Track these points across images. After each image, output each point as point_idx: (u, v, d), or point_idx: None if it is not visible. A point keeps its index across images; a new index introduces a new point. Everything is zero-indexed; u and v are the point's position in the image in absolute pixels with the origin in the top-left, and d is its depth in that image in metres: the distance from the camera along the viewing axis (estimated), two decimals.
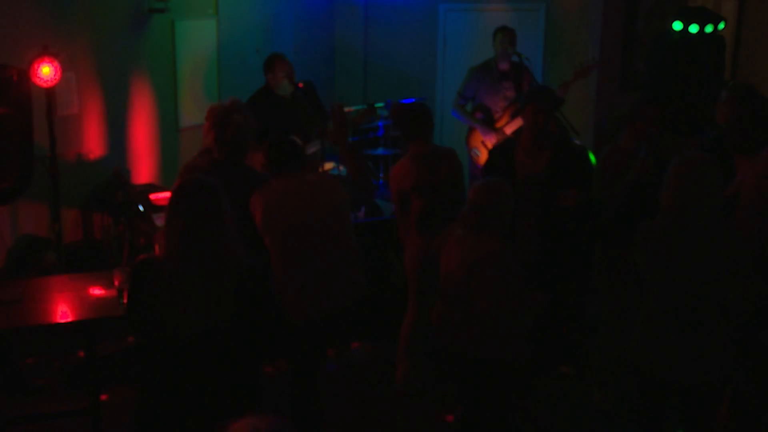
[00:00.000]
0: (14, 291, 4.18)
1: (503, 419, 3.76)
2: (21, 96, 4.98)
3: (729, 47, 7.25)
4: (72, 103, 5.96)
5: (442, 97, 8.54)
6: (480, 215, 3.60)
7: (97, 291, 4.20)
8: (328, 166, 6.43)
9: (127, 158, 6.54)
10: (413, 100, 7.23)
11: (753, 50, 7.45)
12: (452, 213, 3.70)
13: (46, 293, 4.24)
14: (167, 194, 5.46)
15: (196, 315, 2.85)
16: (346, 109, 7.11)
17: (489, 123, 6.60)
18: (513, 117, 6.45)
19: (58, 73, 5.17)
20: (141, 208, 5.81)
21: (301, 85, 5.97)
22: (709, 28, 6.79)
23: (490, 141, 6.47)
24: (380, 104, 6.98)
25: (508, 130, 6.44)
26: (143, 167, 6.70)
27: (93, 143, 6.21)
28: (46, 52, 5.13)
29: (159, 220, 5.57)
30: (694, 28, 6.78)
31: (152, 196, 5.87)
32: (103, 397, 4.31)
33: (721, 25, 6.88)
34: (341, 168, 6.68)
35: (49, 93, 5.30)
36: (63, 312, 4.05)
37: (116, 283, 4.12)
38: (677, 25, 6.83)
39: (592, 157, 5.14)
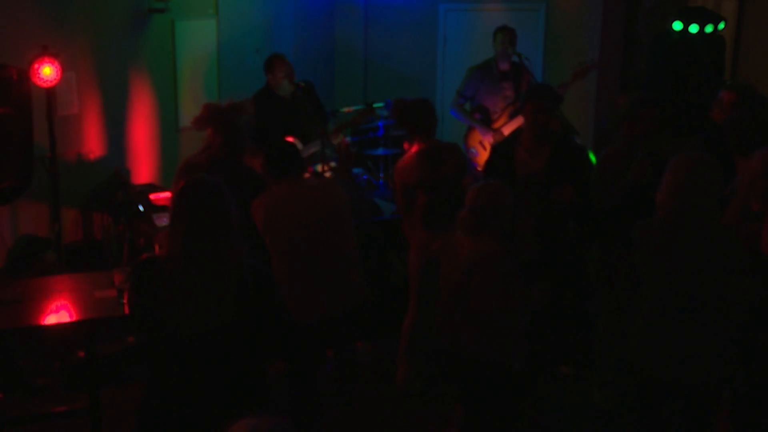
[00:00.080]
0: (14, 291, 4.18)
1: (503, 419, 3.76)
2: (21, 96, 4.98)
3: (729, 47, 7.26)
4: (72, 103, 5.96)
5: (442, 96, 8.54)
6: (478, 217, 3.60)
7: (97, 291, 4.20)
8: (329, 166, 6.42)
9: (127, 158, 6.54)
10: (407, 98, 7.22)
11: (753, 50, 7.45)
12: (457, 208, 3.70)
13: (46, 293, 4.24)
14: (167, 194, 5.49)
15: (197, 315, 2.85)
16: (346, 109, 7.15)
17: (487, 123, 6.60)
18: (512, 117, 6.45)
19: (59, 73, 5.17)
20: (141, 208, 5.81)
21: (302, 84, 5.97)
22: (709, 28, 6.80)
23: (489, 141, 6.48)
24: (380, 104, 6.97)
25: (507, 130, 6.44)
26: (143, 167, 6.70)
27: (93, 143, 6.21)
28: (46, 52, 5.12)
29: (159, 220, 5.58)
30: (694, 28, 6.78)
31: (152, 196, 5.88)
32: (103, 397, 4.30)
33: (721, 25, 6.88)
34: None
35: (49, 93, 5.30)
36: (63, 312, 4.05)
37: (116, 283, 4.12)
38: (677, 25, 6.83)
39: (592, 157, 5.15)
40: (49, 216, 5.64)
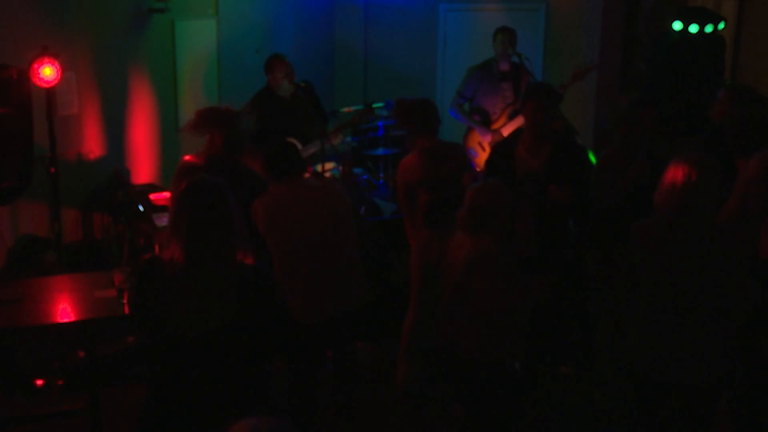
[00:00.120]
0: (14, 291, 4.18)
1: (503, 419, 3.76)
2: (21, 96, 4.98)
3: (729, 47, 7.26)
4: (72, 103, 5.96)
5: (442, 97, 8.54)
6: (477, 217, 3.61)
7: (97, 291, 4.20)
8: (329, 166, 6.43)
9: (127, 158, 6.54)
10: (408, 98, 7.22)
11: (753, 50, 7.45)
12: (458, 208, 3.71)
13: (46, 293, 4.24)
14: (167, 194, 5.49)
15: (199, 315, 2.85)
16: (346, 109, 7.15)
17: (486, 125, 6.60)
18: (511, 118, 6.45)
19: (59, 73, 5.17)
20: (141, 208, 5.81)
21: (302, 85, 5.97)
22: (709, 28, 6.80)
23: (488, 142, 6.48)
24: (379, 104, 6.98)
25: (506, 131, 6.44)
26: (143, 167, 6.71)
27: (93, 143, 6.21)
28: (46, 52, 5.12)
29: (159, 220, 5.58)
30: (694, 28, 6.78)
31: (152, 196, 5.88)
32: (103, 397, 4.30)
33: (721, 25, 6.88)
34: (341, 168, 6.68)
35: (49, 93, 5.30)
36: (63, 312, 4.05)
37: (116, 283, 4.12)
38: (677, 25, 6.84)
39: (592, 157, 5.15)
40: (49, 216, 5.64)
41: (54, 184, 5.46)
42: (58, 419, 4.46)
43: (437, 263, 3.87)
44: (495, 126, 6.56)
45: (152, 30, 6.61)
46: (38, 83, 5.13)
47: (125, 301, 4.00)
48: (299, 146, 5.76)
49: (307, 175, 4.24)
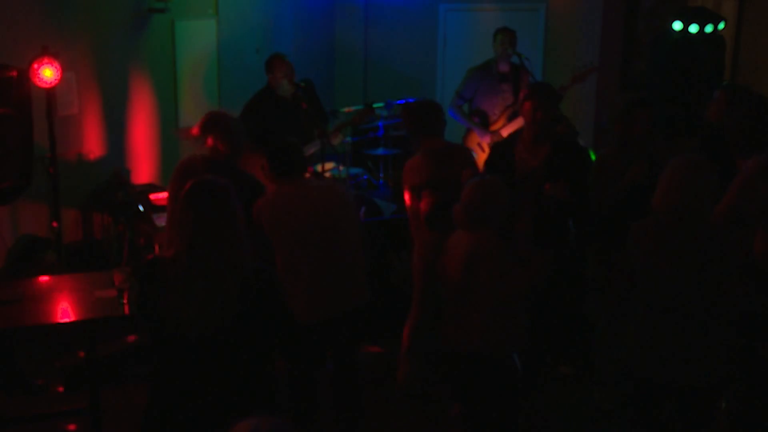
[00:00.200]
0: (14, 291, 4.18)
1: (503, 419, 3.76)
2: (21, 96, 4.98)
3: (729, 47, 7.26)
4: (72, 104, 5.96)
5: (442, 97, 8.54)
6: (472, 213, 3.62)
7: (97, 291, 4.20)
8: (329, 166, 6.43)
9: (127, 158, 6.54)
10: (413, 100, 7.23)
11: (753, 50, 7.45)
12: None
13: (46, 293, 4.24)
14: (167, 194, 5.49)
15: (201, 316, 2.85)
16: (346, 110, 7.15)
17: (485, 126, 6.60)
18: (510, 119, 6.45)
19: (59, 74, 5.17)
20: (141, 208, 5.82)
21: (302, 85, 5.97)
22: (709, 28, 6.79)
23: (487, 143, 6.48)
24: (379, 104, 6.97)
25: (505, 132, 6.44)
26: (143, 167, 6.71)
27: (93, 143, 6.21)
28: (46, 52, 5.12)
29: (159, 220, 5.58)
30: (694, 28, 6.78)
31: (152, 196, 5.88)
32: (103, 397, 4.30)
33: (721, 25, 6.88)
34: (341, 168, 6.68)
35: (49, 93, 5.30)
36: (63, 312, 4.05)
37: (116, 283, 4.12)
38: (677, 25, 6.83)
39: (593, 157, 5.14)
40: (49, 216, 5.64)
41: (54, 184, 5.46)
42: (58, 419, 4.46)
43: (439, 263, 3.88)
44: (494, 127, 6.56)
45: (152, 30, 6.61)
46: (38, 83, 5.13)
47: (125, 301, 4.00)
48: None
49: (307, 175, 4.25)
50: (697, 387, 3.39)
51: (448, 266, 3.72)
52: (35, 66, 5.08)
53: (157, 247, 5.57)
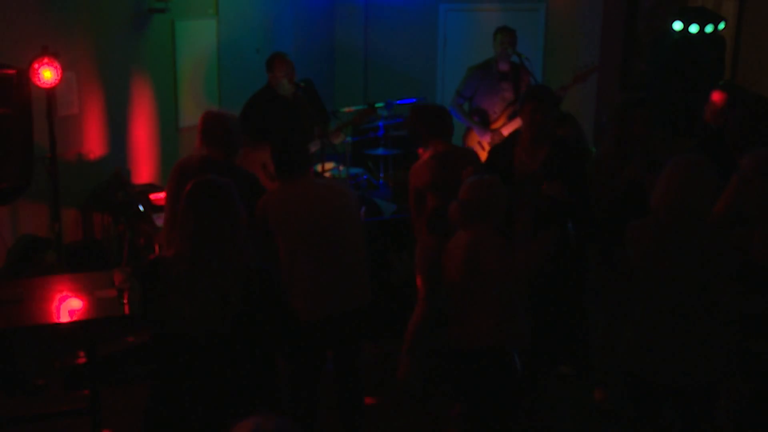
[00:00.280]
0: (14, 291, 4.18)
1: (503, 418, 3.76)
2: (21, 96, 4.98)
3: (729, 47, 7.26)
4: (72, 104, 5.96)
5: (442, 97, 8.55)
6: (469, 211, 3.62)
7: (97, 291, 4.20)
8: (329, 166, 6.43)
9: (127, 158, 6.54)
10: (413, 100, 7.24)
11: (753, 50, 7.45)
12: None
13: (46, 293, 4.24)
14: (165, 194, 5.49)
15: (203, 316, 2.86)
16: (347, 109, 7.15)
17: (485, 125, 6.61)
18: (510, 118, 6.45)
19: (59, 75, 5.17)
20: (141, 208, 5.81)
21: (302, 85, 5.97)
22: (709, 28, 6.80)
23: (486, 141, 6.48)
24: (380, 104, 6.97)
25: (506, 131, 6.44)
26: (143, 167, 6.71)
27: (93, 143, 6.21)
28: (46, 52, 5.12)
29: (159, 220, 5.58)
30: (694, 28, 6.78)
31: (152, 196, 5.88)
32: (103, 397, 4.30)
33: (721, 25, 6.88)
34: (341, 168, 6.69)
35: (50, 93, 5.30)
36: (63, 312, 4.05)
37: (116, 283, 4.12)
38: (677, 25, 6.83)
39: None
40: (49, 216, 5.64)
41: (54, 184, 5.46)
42: (58, 419, 4.46)
43: (440, 263, 3.88)
44: (495, 126, 6.57)
45: (152, 30, 6.61)
46: (38, 83, 5.13)
47: (125, 301, 4.00)
48: None
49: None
50: (697, 387, 3.39)
51: (449, 267, 3.73)
52: (35, 66, 5.08)
53: (157, 247, 5.57)
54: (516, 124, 6.31)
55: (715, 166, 3.37)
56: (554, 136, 4.60)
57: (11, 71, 4.93)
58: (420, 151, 4.85)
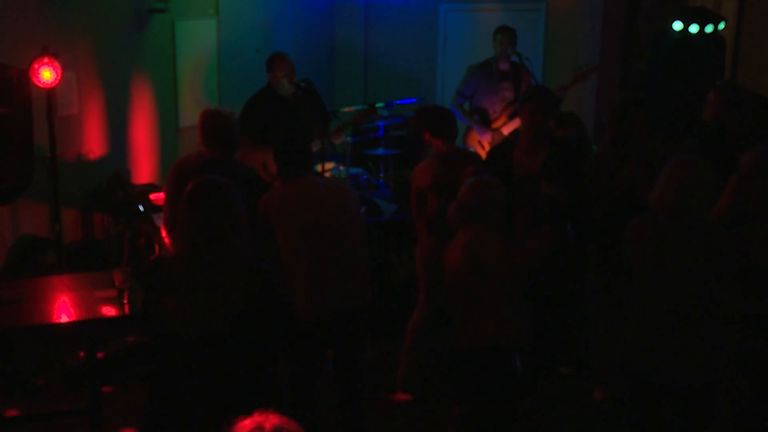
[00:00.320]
0: (14, 291, 4.18)
1: (503, 418, 3.76)
2: (21, 96, 4.97)
3: (729, 47, 7.26)
4: (72, 104, 5.96)
5: (442, 96, 8.55)
6: (467, 212, 3.62)
7: (97, 291, 4.20)
8: (329, 166, 6.42)
9: (127, 158, 6.54)
10: (413, 100, 7.24)
11: (753, 50, 7.45)
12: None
13: (46, 293, 4.24)
14: (163, 193, 5.50)
15: (202, 316, 2.86)
16: (347, 109, 7.15)
17: (486, 124, 6.61)
18: (510, 118, 6.45)
19: (59, 75, 5.17)
20: (141, 208, 5.81)
21: (302, 85, 5.97)
22: (709, 28, 6.80)
23: (487, 141, 6.49)
24: (380, 104, 6.97)
25: (506, 130, 6.45)
26: (143, 167, 6.71)
27: (93, 143, 6.21)
28: (46, 52, 5.12)
29: (159, 220, 5.58)
30: (694, 28, 6.79)
31: (152, 196, 5.87)
32: (103, 397, 4.30)
33: (721, 25, 6.89)
34: (341, 168, 6.68)
35: (50, 93, 5.30)
36: (63, 312, 4.05)
37: (116, 283, 4.12)
38: (677, 25, 6.84)
39: None
40: (49, 216, 5.64)
41: (54, 184, 5.46)
42: (58, 419, 4.46)
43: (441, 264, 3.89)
44: (495, 125, 6.57)
45: (152, 30, 6.61)
46: (38, 83, 5.13)
47: (125, 301, 4.00)
48: None
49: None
50: (697, 387, 3.39)
51: (449, 267, 3.73)
52: (35, 66, 5.08)
53: (157, 247, 5.57)
54: (516, 123, 6.31)
55: (715, 166, 3.37)
56: (553, 136, 4.61)
57: (11, 71, 4.93)
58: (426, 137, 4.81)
